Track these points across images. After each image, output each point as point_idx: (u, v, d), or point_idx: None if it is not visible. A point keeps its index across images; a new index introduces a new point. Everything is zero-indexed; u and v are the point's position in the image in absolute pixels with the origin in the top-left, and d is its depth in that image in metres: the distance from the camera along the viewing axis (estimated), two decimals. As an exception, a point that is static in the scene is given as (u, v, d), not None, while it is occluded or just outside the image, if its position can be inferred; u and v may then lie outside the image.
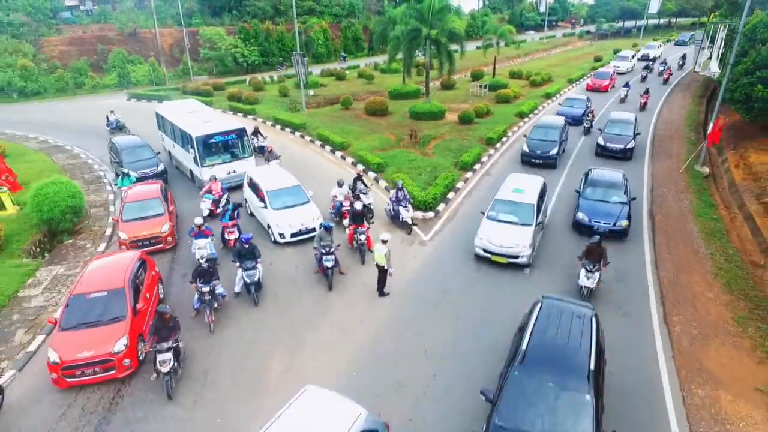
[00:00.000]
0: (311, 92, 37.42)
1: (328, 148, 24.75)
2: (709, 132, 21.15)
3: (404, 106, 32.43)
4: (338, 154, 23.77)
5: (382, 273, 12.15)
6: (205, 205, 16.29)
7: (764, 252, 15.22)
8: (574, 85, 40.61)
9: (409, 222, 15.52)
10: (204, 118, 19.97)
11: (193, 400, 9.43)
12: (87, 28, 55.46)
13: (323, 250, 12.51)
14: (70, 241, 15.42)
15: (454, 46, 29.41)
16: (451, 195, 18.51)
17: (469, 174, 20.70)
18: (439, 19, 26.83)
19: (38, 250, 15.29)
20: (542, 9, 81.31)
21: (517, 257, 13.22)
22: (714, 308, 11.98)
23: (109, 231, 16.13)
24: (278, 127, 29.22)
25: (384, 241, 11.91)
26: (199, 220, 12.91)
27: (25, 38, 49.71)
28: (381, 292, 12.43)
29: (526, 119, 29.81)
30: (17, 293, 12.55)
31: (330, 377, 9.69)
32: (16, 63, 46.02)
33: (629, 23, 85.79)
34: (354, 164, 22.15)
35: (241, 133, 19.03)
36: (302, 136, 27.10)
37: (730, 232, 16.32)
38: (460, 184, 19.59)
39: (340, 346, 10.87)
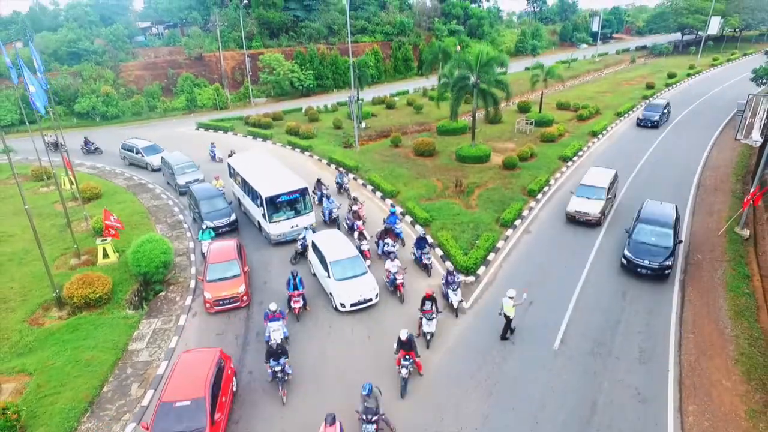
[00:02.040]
0: (363, 125, 39.65)
1: (378, 194, 26.85)
2: (746, 197, 21.60)
3: (451, 145, 34.14)
4: (388, 201, 25.83)
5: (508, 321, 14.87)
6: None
7: (793, 333, 16.01)
8: (621, 119, 40.81)
9: (455, 306, 16.48)
10: (271, 175, 22.50)
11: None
12: (159, 52, 60.25)
13: (365, 416, 11.39)
14: (163, 293, 18.27)
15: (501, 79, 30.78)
16: (491, 256, 20.15)
17: (509, 231, 22.22)
18: (486, 72, 28.29)
19: (136, 299, 18.21)
20: (595, 28, 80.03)
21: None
22: (729, 398, 13.14)
23: (192, 284, 18.92)
24: (332, 166, 31.59)
25: (511, 297, 14.53)
26: (273, 306, 14.95)
27: (106, 64, 54.81)
28: (503, 337, 15.15)
29: (569, 163, 30.77)
30: (128, 346, 15.39)
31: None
32: (99, 89, 50.98)
33: (688, 36, 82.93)
34: (403, 214, 24.14)
35: (303, 192, 21.43)
36: (355, 179, 29.33)
37: (761, 309, 17.08)
38: (500, 243, 21.18)
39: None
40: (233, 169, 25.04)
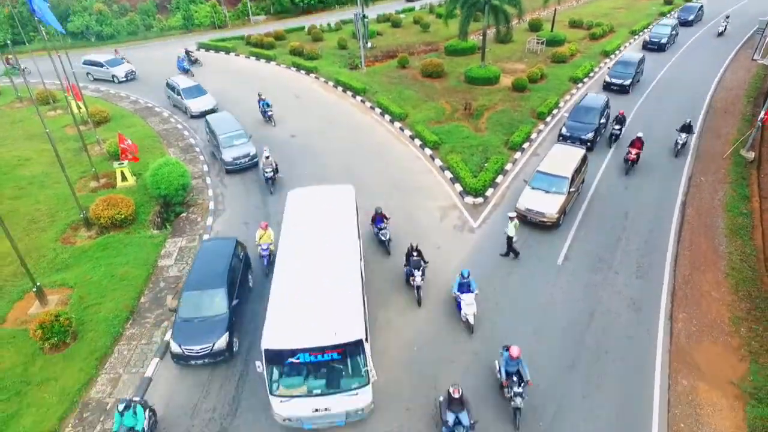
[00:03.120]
0: (369, 44, 38.40)
1: (387, 117, 26.83)
2: (762, 116, 21.62)
3: (460, 66, 33.42)
4: (397, 125, 25.90)
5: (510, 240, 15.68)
6: None
7: (784, 249, 16.94)
8: (636, 37, 39.41)
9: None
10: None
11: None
12: (150, -34, 56.67)
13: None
14: (184, 214, 19.06)
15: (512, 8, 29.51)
16: (499, 178, 20.67)
17: (517, 154, 22.57)
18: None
19: (159, 219, 19.04)
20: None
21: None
22: (716, 307, 14.28)
23: (212, 205, 19.67)
24: (340, 89, 31.19)
25: (511, 218, 15.36)
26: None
27: (95, -24, 51.95)
28: (505, 254, 16.02)
29: (580, 84, 30.33)
30: (157, 262, 16.42)
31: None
32: (92, 6, 48.78)
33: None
34: (412, 138, 24.37)
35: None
36: (363, 101, 29.13)
37: (756, 228, 17.90)
38: (508, 166, 21.62)
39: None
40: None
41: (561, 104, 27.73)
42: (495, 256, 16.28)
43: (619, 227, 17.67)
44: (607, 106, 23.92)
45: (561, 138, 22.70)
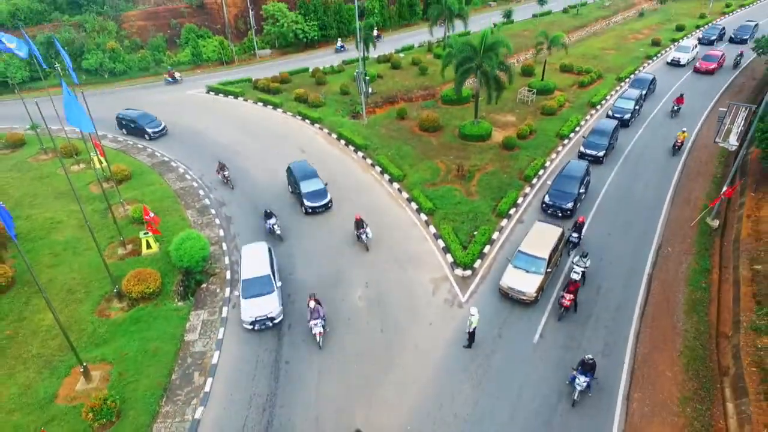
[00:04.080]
0: (371, 90, 40.69)
1: (386, 176, 29.14)
2: (724, 190, 23.93)
3: (455, 117, 35.81)
4: (395, 185, 28.22)
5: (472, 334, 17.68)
6: None
7: (735, 324, 19.25)
8: (623, 84, 41.75)
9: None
10: None
11: None
12: (159, 0, 59.11)
13: None
14: (205, 285, 21.37)
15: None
16: (487, 248, 22.99)
17: (504, 221, 24.88)
18: (489, 57, 29.36)
19: (182, 289, 21.32)
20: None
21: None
22: (668, 387, 16.60)
23: (228, 275, 21.98)
24: (342, 142, 33.51)
25: (473, 314, 17.25)
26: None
27: (107, 14, 54.44)
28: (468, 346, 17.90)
29: (566, 141, 32.61)
30: (184, 337, 18.72)
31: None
32: (105, 43, 51.18)
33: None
34: (409, 201, 26.69)
35: None
36: (364, 158, 31.43)
37: (712, 302, 20.22)
38: (495, 235, 23.93)
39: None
40: None
41: (547, 164, 30.02)
42: (480, 332, 18.55)
43: (591, 302, 19.98)
44: (587, 173, 26.22)
45: (544, 205, 25.00)
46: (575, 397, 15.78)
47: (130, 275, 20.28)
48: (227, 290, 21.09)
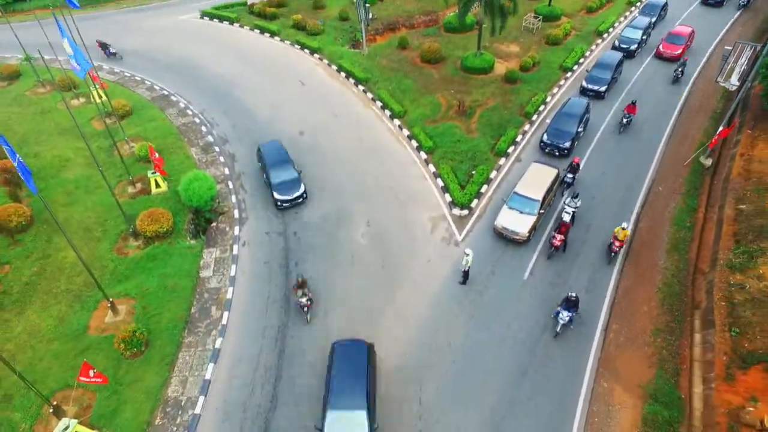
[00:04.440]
0: (371, 15, 39.15)
1: (387, 112, 29.19)
2: (720, 130, 24.24)
3: (458, 47, 35.00)
4: (396, 122, 28.39)
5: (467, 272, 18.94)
6: None
7: (713, 261, 20.64)
8: (634, 8, 40.09)
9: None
10: None
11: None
12: None
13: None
14: (215, 224, 22.46)
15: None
16: (484, 188, 23.81)
17: (502, 160, 25.45)
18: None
19: (192, 227, 22.44)
20: None
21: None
22: (642, 320, 18.26)
23: (236, 213, 23.01)
24: (343, 74, 33.02)
25: (467, 253, 18.36)
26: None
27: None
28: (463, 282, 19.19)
29: (569, 74, 32.17)
30: (199, 273, 20.15)
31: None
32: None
33: None
34: (409, 138, 27.06)
35: None
36: (365, 91, 31.21)
37: (694, 241, 21.45)
38: (493, 174, 24.62)
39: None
40: None
41: (548, 99, 29.89)
42: (474, 268, 19.92)
43: (580, 241, 21.20)
44: (587, 111, 26.32)
45: (542, 144, 25.42)
46: (558, 330, 17.45)
47: (143, 215, 21.29)
48: (236, 228, 22.23)
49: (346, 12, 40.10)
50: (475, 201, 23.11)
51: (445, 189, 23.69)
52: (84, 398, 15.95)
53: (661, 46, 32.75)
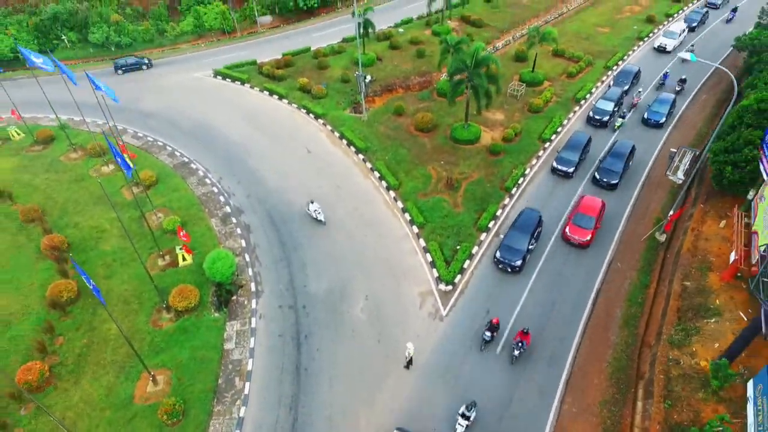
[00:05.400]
0: (369, 77, 42.90)
1: (384, 183, 32.98)
2: (670, 214, 28.09)
3: (449, 115, 38.66)
4: (392, 194, 32.18)
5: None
6: None
7: (657, 335, 24.43)
8: (610, 71, 43.99)
9: None
10: None
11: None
12: (156, -39, 58.46)
13: None
14: (235, 297, 26.20)
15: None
16: (467, 263, 27.59)
17: (483, 235, 29.24)
18: (478, 74, 31.97)
19: (215, 299, 26.17)
20: None
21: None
22: (592, 393, 22.04)
23: (253, 287, 26.74)
24: (345, 142, 36.83)
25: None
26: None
27: (106, -20, 54.56)
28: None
29: (546, 144, 36.00)
30: (223, 346, 23.88)
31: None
32: (108, 15, 52.15)
33: None
34: (403, 210, 30.83)
35: None
36: (364, 161, 35.01)
37: (643, 316, 25.25)
38: (474, 249, 28.41)
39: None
40: None
41: (527, 171, 33.72)
42: (456, 343, 23.68)
43: (545, 317, 24.99)
44: (539, 224, 28.26)
45: (495, 260, 27.26)
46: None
47: (174, 292, 25.03)
48: (254, 302, 25.99)
49: (347, 75, 43.91)
50: (459, 276, 26.88)
51: (433, 264, 27.46)
52: (134, 461, 19.70)
53: (567, 229, 28.23)
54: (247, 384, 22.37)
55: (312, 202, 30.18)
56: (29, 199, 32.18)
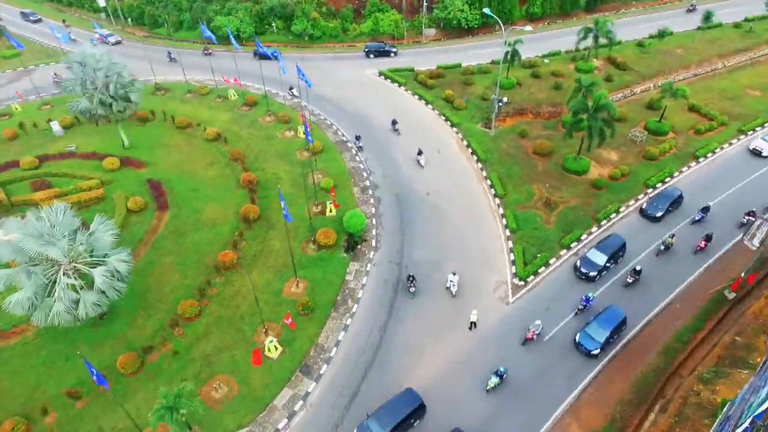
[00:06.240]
0: (505, 99, 49.53)
1: (492, 191, 39.86)
2: (733, 281, 31.00)
3: (567, 145, 43.67)
4: (497, 200, 38.99)
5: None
6: None
7: (692, 371, 28.44)
8: (741, 137, 45.16)
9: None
10: None
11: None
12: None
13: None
14: (359, 247, 35.46)
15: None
16: (542, 269, 33.61)
17: (563, 251, 34.86)
18: (595, 118, 37.07)
19: (346, 245, 35.62)
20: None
21: None
22: (612, 392, 27.09)
23: (374, 243, 35.77)
24: (470, 150, 44.26)
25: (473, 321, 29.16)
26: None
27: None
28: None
29: (650, 190, 39.67)
30: (345, 276, 33.25)
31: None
32: (309, 12, 65.08)
33: None
34: (502, 216, 37.54)
35: None
36: (482, 169, 42.16)
37: (684, 352, 29.22)
38: (552, 260, 34.23)
39: (453, 347, 29.35)
40: None
41: (622, 209, 38.09)
42: (512, 326, 30.14)
43: (595, 327, 30.24)
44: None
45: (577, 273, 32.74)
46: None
47: (320, 232, 34.99)
48: (371, 253, 35.01)
49: (487, 93, 50.97)
50: (532, 277, 33.09)
51: (514, 263, 33.98)
52: (277, 330, 29.80)
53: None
54: (356, 305, 31.42)
55: (452, 274, 31.88)
56: (235, 144, 44.97)
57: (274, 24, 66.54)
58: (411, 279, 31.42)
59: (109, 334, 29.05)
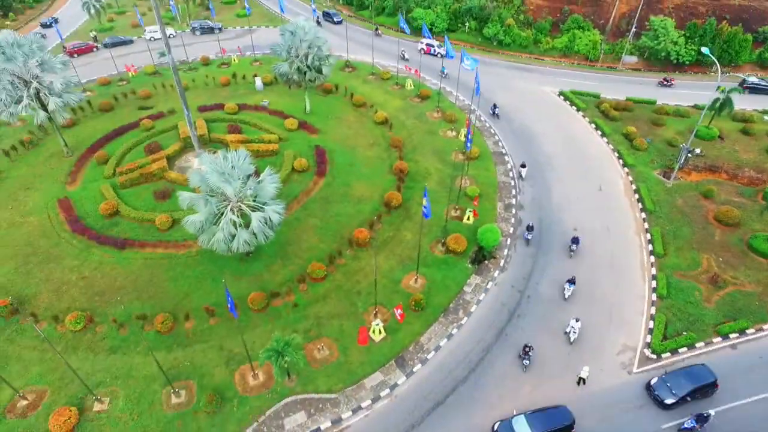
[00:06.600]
0: (698, 150, 43.47)
1: (650, 246, 35.68)
2: None
3: (761, 221, 37.19)
4: (653, 258, 34.84)
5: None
6: None
7: None
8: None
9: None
10: None
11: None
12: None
13: None
14: (487, 262, 34.87)
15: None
16: (683, 349, 29.33)
17: (717, 339, 29.89)
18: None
19: (473, 256, 35.32)
20: None
21: None
22: None
23: (502, 263, 34.84)
24: (636, 196, 40.08)
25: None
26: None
27: (519, -11, 66.42)
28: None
29: None
30: (463, 287, 33.09)
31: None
32: (505, 17, 64.35)
33: None
34: (653, 277, 33.50)
35: None
36: (644, 220, 37.93)
37: None
38: (699, 344, 29.60)
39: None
40: None
41: (813, 313, 31.23)
42: (626, 400, 27.05)
43: (732, 437, 25.61)
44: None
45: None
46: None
47: (452, 236, 35.17)
48: (496, 272, 34.18)
49: (677, 140, 45.28)
50: (668, 354, 29.14)
51: (651, 332, 30.24)
52: (386, 315, 31.03)
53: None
54: (465, 318, 31.14)
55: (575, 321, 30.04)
56: (399, 132, 47.12)
57: (467, 23, 67.30)
58: (527, 350, 28.31)
59: (249, 271, 33.24)
